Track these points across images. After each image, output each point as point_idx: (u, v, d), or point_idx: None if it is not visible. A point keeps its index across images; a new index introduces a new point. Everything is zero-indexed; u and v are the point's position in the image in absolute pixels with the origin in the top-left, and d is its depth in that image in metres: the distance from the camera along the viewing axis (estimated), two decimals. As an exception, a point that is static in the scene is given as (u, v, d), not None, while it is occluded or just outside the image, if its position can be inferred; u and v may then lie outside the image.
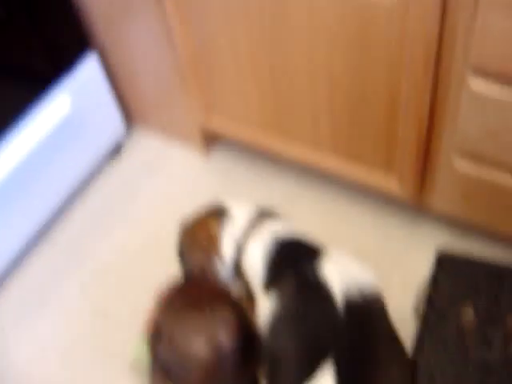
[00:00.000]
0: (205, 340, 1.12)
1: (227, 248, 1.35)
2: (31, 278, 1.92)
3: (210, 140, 2.07)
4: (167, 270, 1.79)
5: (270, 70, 1.60)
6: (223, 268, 1.37)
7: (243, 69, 1.66)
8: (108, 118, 2.05)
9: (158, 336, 1.16)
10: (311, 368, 1.11)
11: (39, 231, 1.97)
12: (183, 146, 2.13)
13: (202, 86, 1.80)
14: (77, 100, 1.87)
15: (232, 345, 1.13)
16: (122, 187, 2.09)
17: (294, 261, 1.25)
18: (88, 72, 1.91)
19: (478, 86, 1.30)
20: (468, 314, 1.37)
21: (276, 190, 1.97)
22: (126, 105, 2.13)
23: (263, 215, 1.40)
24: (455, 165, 1.49)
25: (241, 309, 1.22)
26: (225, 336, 1.13)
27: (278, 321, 1.18)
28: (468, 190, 1.52)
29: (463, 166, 1.48)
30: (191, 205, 1.97)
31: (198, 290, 1.24)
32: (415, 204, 1.70)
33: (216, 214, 1.42)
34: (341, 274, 1.19)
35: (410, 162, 1.57)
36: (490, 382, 1.27)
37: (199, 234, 1.40)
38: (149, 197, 2.05)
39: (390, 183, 1.66)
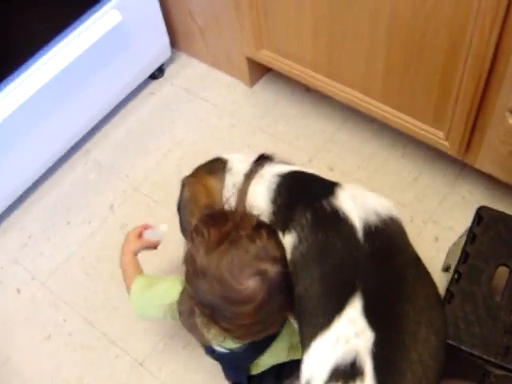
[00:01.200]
0: (253, 272, 1.08)
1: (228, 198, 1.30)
2: (62, 190, 1.92)
3: (257, 72, 2.02)
4: None
5: (329, 4, 1.55)
6: None
7: (302, 2, 1.60)
8: (155, 38, 2.01)
9: (198, 275, 1.11)
10: (339, 302, 1.09)
11: (74, 144, 1.96)
12: (228, 74, 2.09)
13: (257, 16, 1.74)
14: (126, 16, 1.82)
15: (278, 271, 1.10)
16: (162, 109, 2.06)
17: (305, 195, 1.21)
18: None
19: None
20: (502, 274, 1.35)
21: (317, 131, 1.94)
22: (175, 27, 2.08)
23: (264, 159, 1.35)
24: (509, 123, 1.44)
25: (276, 235, 1.20)
26: (269, 264, 1.09)
27: (300, 258, 1.15)
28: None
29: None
30: (229, 134, 1.97)
31: (230, 221, 1.17)
32: (460, 160, 1.65)
33: (215, 170, 1.38)
34: (357, 202, 1.15)
35: (462, 116, 1.52)
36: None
37: (198, 193, 1.36)
38: (187, 122, 2.02)
39: (437, 136, 1.61)
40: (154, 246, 1.45)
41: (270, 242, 1.15)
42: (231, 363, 1.36)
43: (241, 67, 2.00)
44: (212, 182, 1.37)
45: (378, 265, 1.10)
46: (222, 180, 1.35)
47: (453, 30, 1.38)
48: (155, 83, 2.11)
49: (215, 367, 1.51)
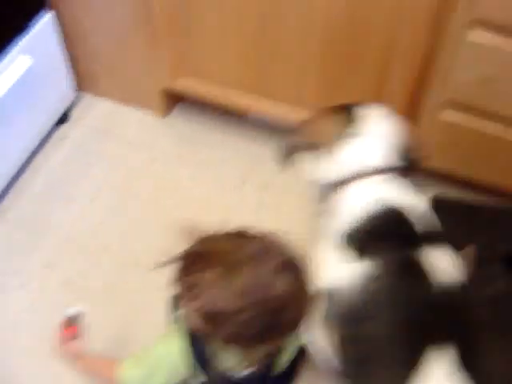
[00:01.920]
0: (275, 270, 1.06)
1: (339, 161, 1.25)
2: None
3: (169, 102, 1.99)
4: (128, 242, 1.76)
5: (258, 20, 1.56)
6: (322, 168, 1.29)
7: (227, 21, 1.60)
8: (61, 81, 1.92)
9: (236, 314, 1.05)
10: (423, 353, 1.08)
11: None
12: (138, 109, 2.04)
13: (176, 44, 1.72)
14: (34, 60, 1.71)
15: (292, 256, 1.09)
16: (77, 153, 1.96)
17: (396, 238, 1.20)
18: (43, 33, 1.75)
19: (478, 36, 1.36)
20: (469, 254, 1.45)
21: (241, 152, 1.94)
22: (78, 68, 1.99)
23: (392, 170, 1.26)
24: (441, 115, 1.55)
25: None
26: (281, 255, 1.08)
27: (371, 295, 1.15)
28: (452, 139, 1.59)
29: (450, 116, 1.54)
30: (152, 168, 1.92)
31: (220, 245, 1.13)
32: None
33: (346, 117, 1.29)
34: (439, 262, 1.17)
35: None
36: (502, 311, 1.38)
37: (324, 124, 1.30)
38: (105, 163, 1.94)
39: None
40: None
41: (265, 239, 1.12)
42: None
43: (153, 100, 1.96)
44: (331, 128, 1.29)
45: (455, 317, 1.13)
46: (343, 135, 1.27)
47: (387, 35, 1.46)
48: (63, 128, 2.00)
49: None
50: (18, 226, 1.81)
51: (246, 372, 1.28)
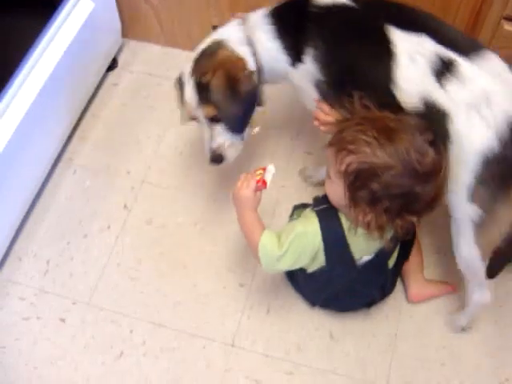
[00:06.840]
0: (427, 142, 1.16)
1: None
2: (60, 206, 1.75)
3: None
4: (204, 175, 1.78)
5: None
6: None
7: None
8: (110, 25, 1.91)
9: (385, 170, 1.15)
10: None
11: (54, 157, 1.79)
12: (186, 50, 1.99)
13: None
14: (93, 4, 1.70)
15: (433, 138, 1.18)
16: (133, 98, 1.96)
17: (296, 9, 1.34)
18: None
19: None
20: None
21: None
22: (123, 13, 1.96)
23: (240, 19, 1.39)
24: (505, 29, 1.60)
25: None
26: (430, 133, 1.17)
27: (326, 51, 1.28)
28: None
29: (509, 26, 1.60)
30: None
31: (380, 116, 1.23)
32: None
33: (218, 47, 1.40)
34: None
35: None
36: None
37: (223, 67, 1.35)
38: (166, 104, 1.91)
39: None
40: None
41: (415, 116, 1.22)
42: (370, 274, 1.42)
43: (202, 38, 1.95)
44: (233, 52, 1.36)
45: None
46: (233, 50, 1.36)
47: None
48: (113, 75, 1.99)
49: (307, 318, 1.56)
50: (88, 172, 1.82)
51: (365, 258, 1.39)
